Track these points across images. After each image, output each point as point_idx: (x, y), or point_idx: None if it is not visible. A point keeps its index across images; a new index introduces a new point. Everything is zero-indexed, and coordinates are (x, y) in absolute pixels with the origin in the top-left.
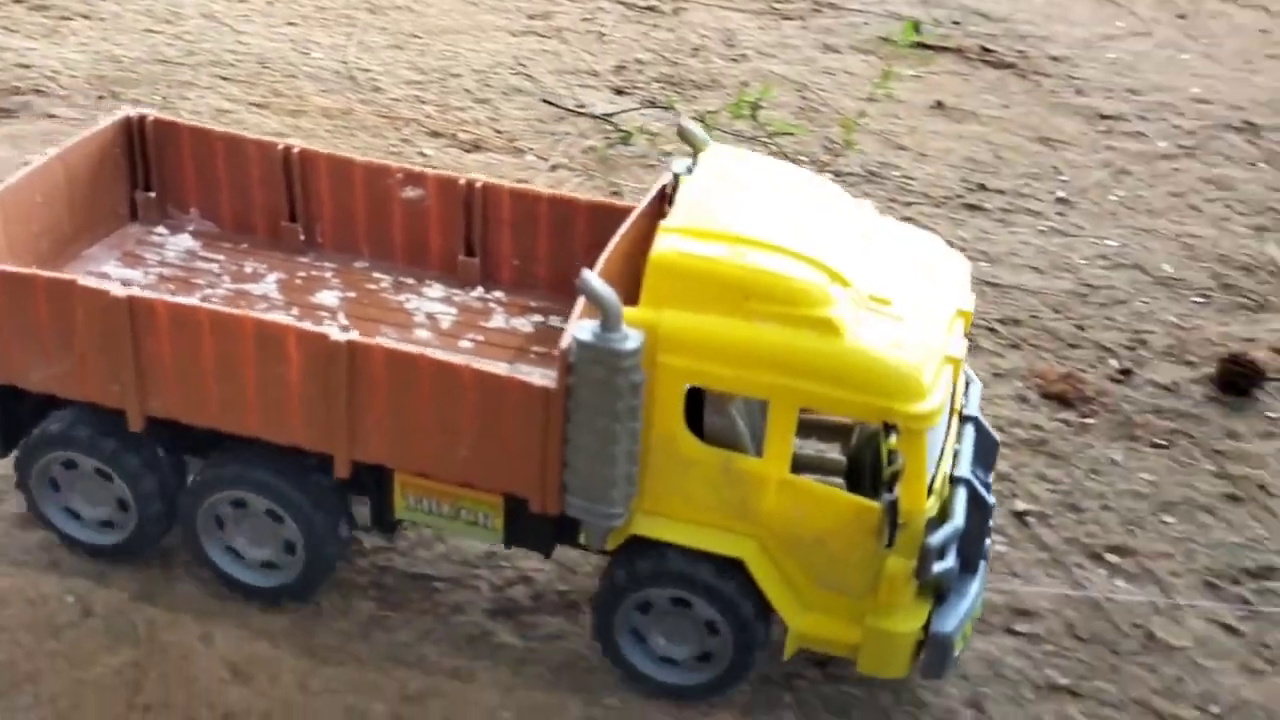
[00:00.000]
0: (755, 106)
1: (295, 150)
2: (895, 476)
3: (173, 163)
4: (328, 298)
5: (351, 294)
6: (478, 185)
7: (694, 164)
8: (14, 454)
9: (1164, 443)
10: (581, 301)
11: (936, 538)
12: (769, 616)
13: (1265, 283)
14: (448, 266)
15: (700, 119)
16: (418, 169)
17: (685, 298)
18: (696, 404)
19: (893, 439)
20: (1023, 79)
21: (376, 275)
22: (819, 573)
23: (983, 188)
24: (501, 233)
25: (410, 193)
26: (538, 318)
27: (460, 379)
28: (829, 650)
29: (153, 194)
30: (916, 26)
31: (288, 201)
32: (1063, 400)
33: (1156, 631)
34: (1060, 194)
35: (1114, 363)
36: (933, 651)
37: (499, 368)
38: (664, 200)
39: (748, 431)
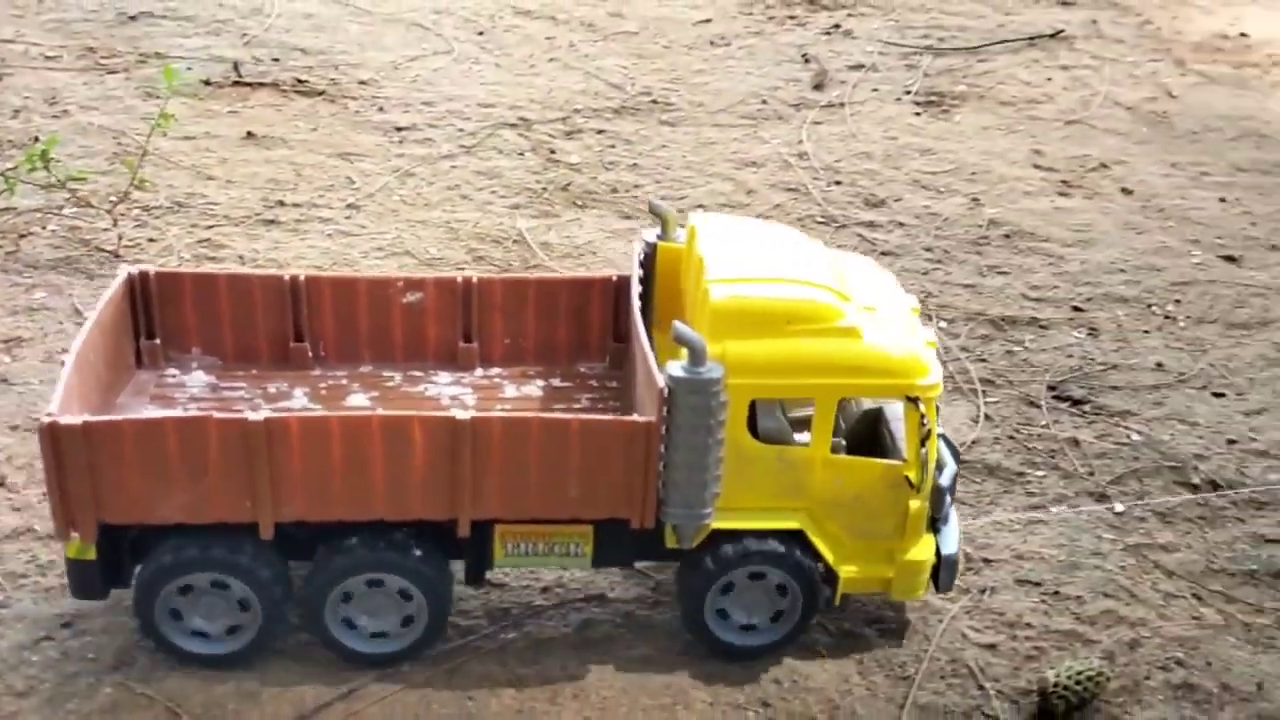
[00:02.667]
0: (45, 157)
1: (301, 278)
2: (926, 437)
3: (174, 309)
4: (359, 400)
5: (375, 394)
6: (474, 280)
7: (663, 234)
8: (135, 601)
9: None
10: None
11: (945, 479)
12: (825, 572)
13: (509, 250)
14: (446, 356)
15: (3, 177)
16: (416, 276)
17: (741, 330)
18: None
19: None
20: (332, 103)
21: (386, 374)
22: (857, 527)
23: (281, 204)
24: (494, 318)
25: (410, 297)
26: (540, 382)
27: (569, 430)
28: (867, 590)
29: (157, 341)
30: (176, 72)
31: (293, 324)
32: None
33: None
34: (350, 201)
35: None
36: (945, 570)
37: (598, 416)
38: (646, 265)
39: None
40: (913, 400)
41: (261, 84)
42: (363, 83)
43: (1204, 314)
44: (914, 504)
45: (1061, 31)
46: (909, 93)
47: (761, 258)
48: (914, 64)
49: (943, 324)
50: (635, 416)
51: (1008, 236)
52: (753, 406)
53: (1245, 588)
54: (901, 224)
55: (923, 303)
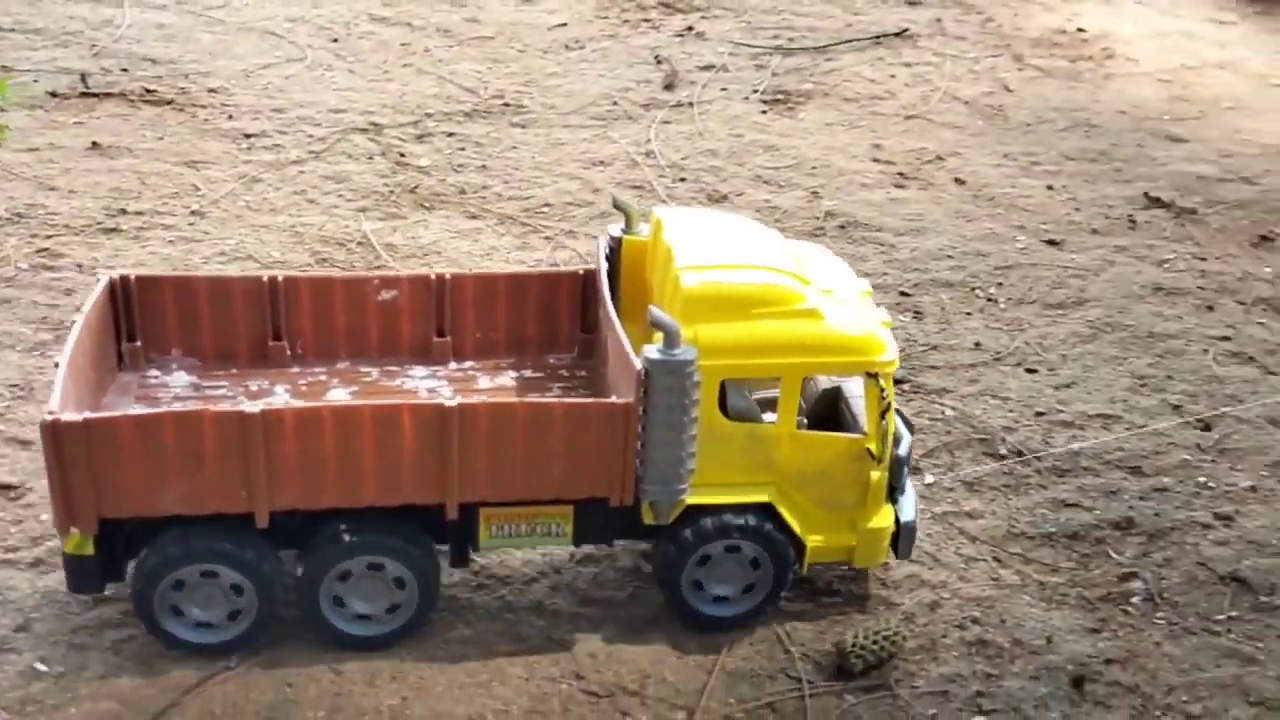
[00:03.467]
0: None
1: (280, 279)
2: (886, 410)
3: (154, 312)
4: (339, 394)
5: (355, 389)
6: (447, 277)
7: (627, 228)
8: (135, 600)
9: None
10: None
11: (902, 449)
12: (795, 545)
13: (353, 253)
14: (420, 351)
15: None
16: (391, 274)
17: (711, 314)
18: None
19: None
20: (180, 112)
21: (363, 370)
22: (823, 498)
23: (123, 212)
24: (466, 313)
25: (385, 295)
26: (513, 373)
27: (552, 413)
28: (831, 559)
29: (138, 343)
30: (16, 86)
31: (271, 324)
32: None
33: None
34: (195, 208)
35: None
36: (904, 537)
37: (579, 400)
38: (612, 258)
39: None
40: (872, 376)
41: (109, 94)
42: (213, 91)
43: (1024, 295)
44: (875, 475)
45: (907, 30)
46: (756, 92)
47: (726, 246)
48: (763, 64)
49: None
50: (614, 399)
51: (843, 227)
52: (723, 387)
53: (1042, 549)
54: None
55: None
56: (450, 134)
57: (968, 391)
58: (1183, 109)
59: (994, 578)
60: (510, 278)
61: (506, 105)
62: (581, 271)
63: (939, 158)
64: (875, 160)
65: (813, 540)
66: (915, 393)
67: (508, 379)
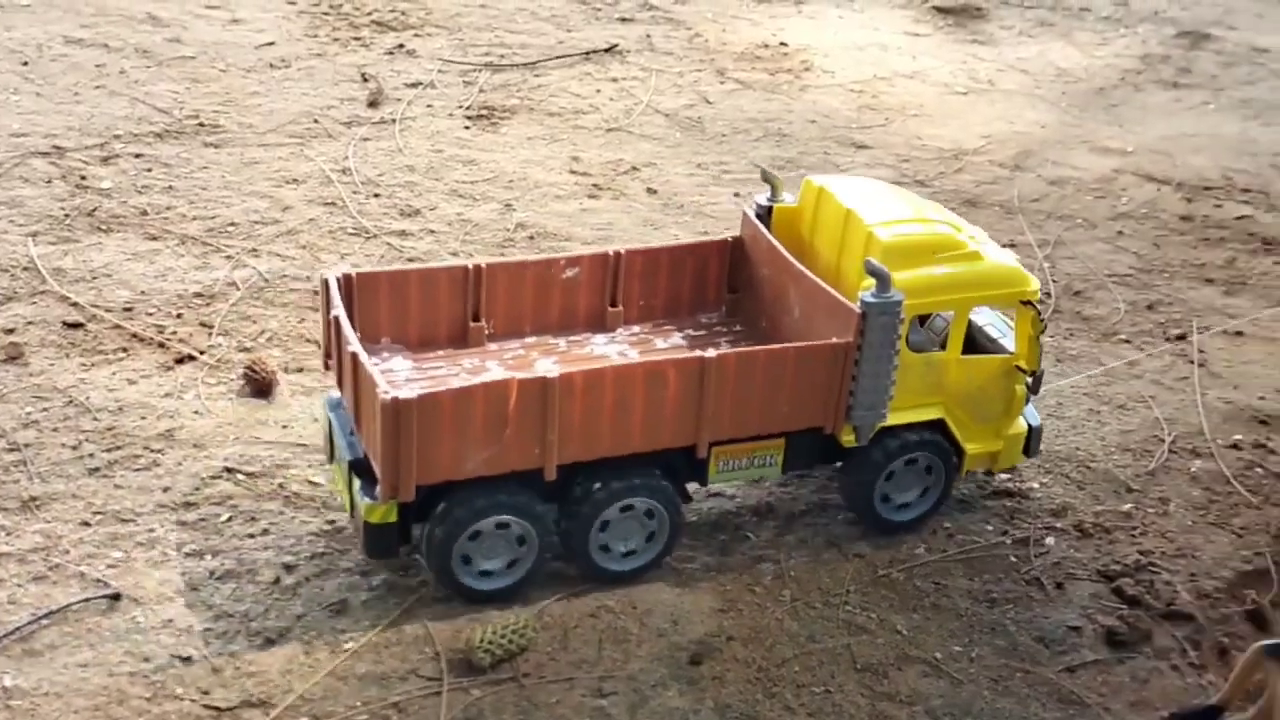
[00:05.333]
0: None
1: (483, 266)
2: (1042, 330)
3: (369, 304)
4: (545, 364)
5: (554, 358)
6: (621, 253)
7: (773, 196)
8: (428, 552)
9: None
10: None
11: (1041, 367)
12: (957, 453)
13: (17, 279)
14: (595, 320)
15: None
16: (575, 254)
17: (904, 262)
18: None
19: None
20: None
21: (551, 341)
22: (977, 412)
23: None
24: (633, 283)
25: (569, 273)
26: (678, 333)
27: (786, 356)
28: (980, 465)
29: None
30: None
31: (472, 308)
32: None
33: None
34: None
35: None
36: (1035, 439)
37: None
38: (765, 221)
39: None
40: (1026, 303)
41: None
42: None
43: None
44: (1019, 389)
45: (616, 46)
46: (462, 107)
47: (895, 205)
48: (472, 80)
49: None
50: (834, 339)
51: (532, 238)
52: None
53: (685, 537)
54: (433, 231)
55: None
56: (138, 155)
57: None
58: (870, 118)
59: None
60: (670, 250)
61: (201, 125)
62: (730, 240)
63: (634, 168)
64: (572, 172)
65: (970, 447)
66: None
67: (677, 338)
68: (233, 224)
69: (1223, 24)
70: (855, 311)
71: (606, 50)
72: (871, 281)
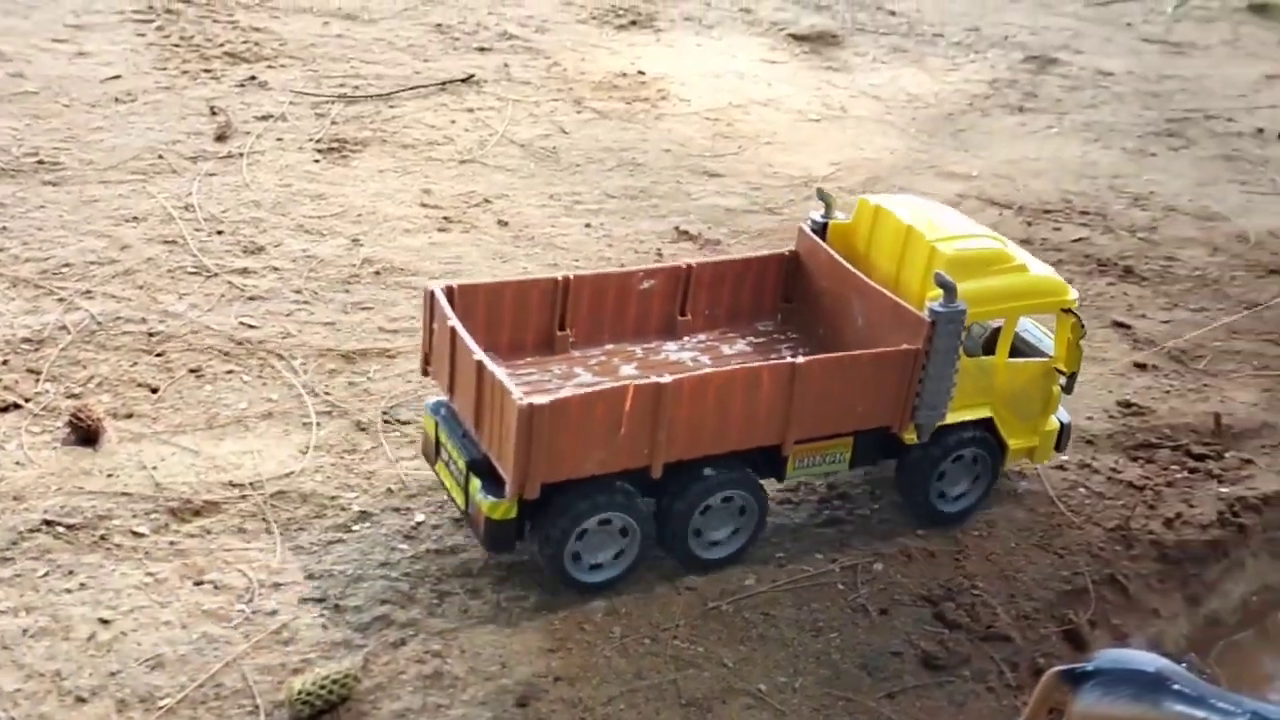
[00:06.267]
0: None
1: (571, 278)
2: (1082, 335)
3: (466, 315)
4: (628, 370)
5: (634, 364)
6: (693, 266)
7: (827, 213)
8: (543, 550)
9: None
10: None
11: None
12: (1001, 448)
13: None
14: (665, 329)
15: None
16: (652, 267)
17: (964, 274)
18: None
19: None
20: None
21: (629, 348)
22: (1021, 411)
23: None
24: (700, 294)
25: (647, 284)
26: (742, 340)
27: (862, 361)
28: (1018, 458)
29: None
30: None
31: (558, 317)
32: None
33: None
34: None
35: None
36: (1065, 435)
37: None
38: (821, 235)
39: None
40: (1067, 311)
41: None
42: None
43: None
44: (1055, 389)
45: (473, 76)
46: (312, 140)
47: (947, 221)
48: (324, 112)
49: (296, 361)
50: (904, 345)
51: (378, 273)
52: None
53: (516, 579)
54: (276, 268)
55: (283, 340)
56: None
57: None
58: (723, 145)
59: (464, 610)
60: (734, 263)
61: (41, 163)
62: (786, 253)
63: (487, 200)
64: (423, 205)
65: (1013, 443)
66: (420, 434)
67: (741, 344)
68: (67, 265)
69: (1070, 48)
70: (925, 320)
71: (463, 80)
72: (938, 292)
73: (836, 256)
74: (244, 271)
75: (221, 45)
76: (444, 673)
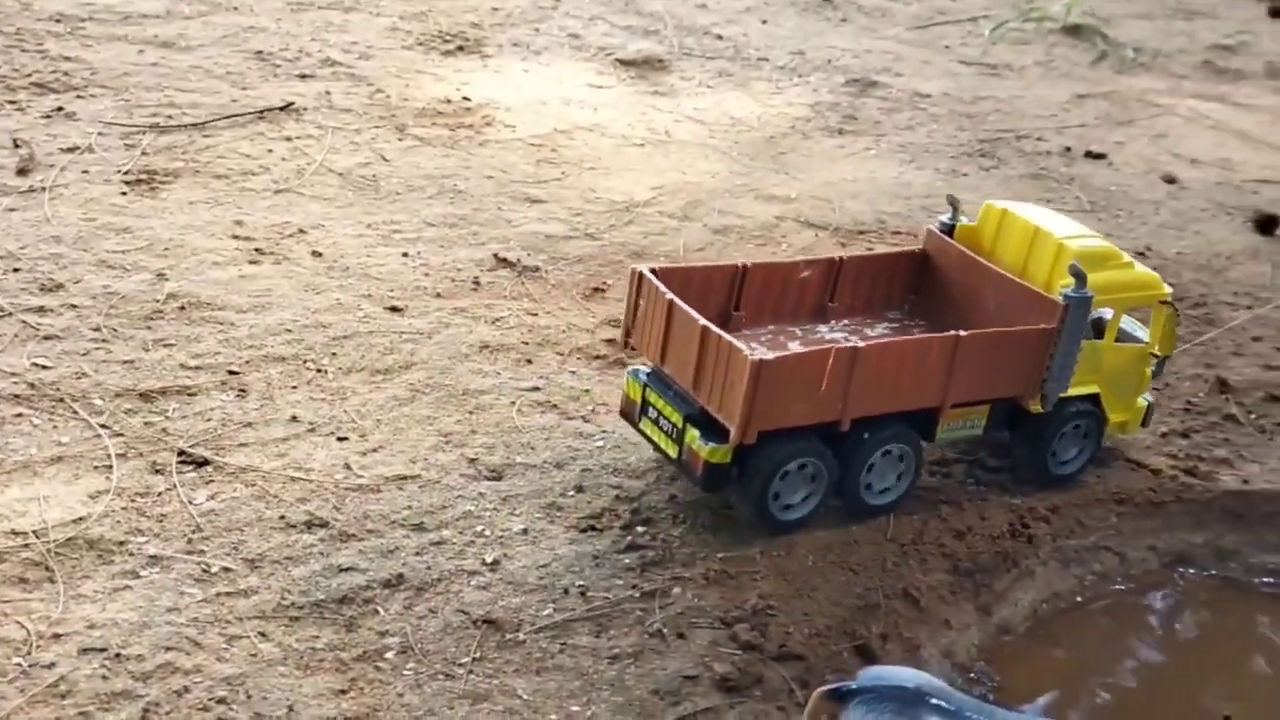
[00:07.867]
0: None
1: (748, 265)
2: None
3: None
4: (794, 346)
5: (796, 342)
6: (844, 259)
7: (954, 216)
8: (746, 489)
9: None
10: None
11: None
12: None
13: None
14: (817, 314)
15: None
16: (811, 258)
17: (1086, 267)
18: None
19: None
20: None
21: (789, 328)
22: (1119, 389)
23: None
24: (847, 284)
25: (805, 273)
26: (881, 325)
27: (1010, 336)
28: (1115, 432)
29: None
30: None
31: (734, 299)
32: None
33: None
34: None
35: None
36: (1149, 413)
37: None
38: (949, 234)
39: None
40: (1164, 302)
41: None
42: None
43: (354, 364)
44: (1147, 371)
45: (293, 104)
46: (120, 172)
47: (1066, 224)
48: (134, 143)
49: (90, 402)
50: (1041, 325)
51: (183, 308)
52: None
53: (310, 617)
54: (75, 306)
55: (77, 380)
56: None
57: (273, 466)
58: (547, 171)
59: (253, 654)
60: (876, 258)
61: None
62: (917, 250)
63: (301, 231)
64: (235, 237)
65: (1112, 417)
66: (219, 473)
67: (882, 328)
68: None
69: (890, 71)
70: (1060, 304)
71: (282, 108)
72: (1069, 280)
73: (969, 252)
74: (40, 310)
75: (29, 75)
76: (230, 718)
